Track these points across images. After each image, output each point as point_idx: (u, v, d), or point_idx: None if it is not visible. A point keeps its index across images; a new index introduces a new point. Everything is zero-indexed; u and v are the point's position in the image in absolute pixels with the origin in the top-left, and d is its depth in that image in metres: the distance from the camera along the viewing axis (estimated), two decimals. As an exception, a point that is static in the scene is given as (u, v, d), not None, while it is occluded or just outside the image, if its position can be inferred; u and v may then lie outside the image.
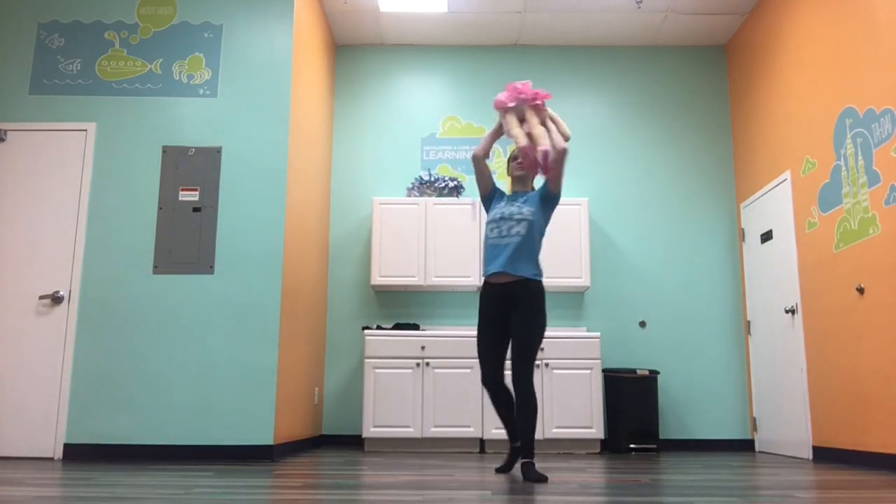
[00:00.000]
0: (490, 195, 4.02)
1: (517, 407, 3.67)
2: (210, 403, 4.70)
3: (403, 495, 3.02)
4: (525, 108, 3.74)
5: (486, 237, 3.88)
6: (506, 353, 3.88)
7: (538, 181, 4.14)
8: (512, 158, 4.02)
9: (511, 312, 3.78)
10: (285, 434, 4.98)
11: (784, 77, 5.78)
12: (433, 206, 6.31)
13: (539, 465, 4.50)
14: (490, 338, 3.85)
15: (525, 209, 3.83)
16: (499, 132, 3.93)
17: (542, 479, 3.54)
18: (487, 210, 4.02)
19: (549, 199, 3.88)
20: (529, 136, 3.67)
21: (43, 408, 4.70)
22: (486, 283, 3.88)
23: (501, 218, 3.84)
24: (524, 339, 3.70)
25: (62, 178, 5.00)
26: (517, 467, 4.08)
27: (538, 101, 3.74)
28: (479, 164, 3.96)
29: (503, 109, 3.78)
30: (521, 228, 3.78)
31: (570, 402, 5.74)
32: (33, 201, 4.97)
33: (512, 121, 3.75)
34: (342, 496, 2.98)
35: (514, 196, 3.97)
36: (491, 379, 3.85)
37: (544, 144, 3.60)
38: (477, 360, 5.83)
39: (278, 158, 5.02)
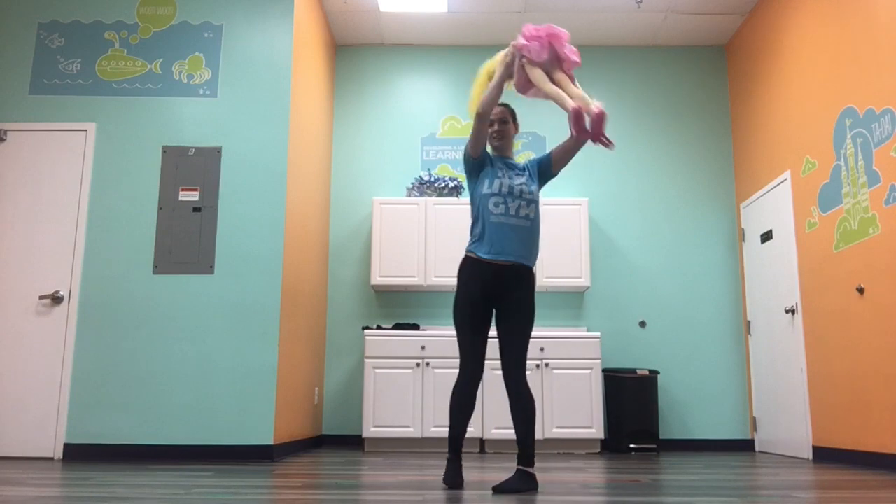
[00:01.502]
0: (481, 159, 3.48)
1: (523, 410, 3.24)
2: (210, 403, 4.70)
3: (403, 495, 3.02)
4: (555, 66, 3.23)
5: (489, 212, 3.35)
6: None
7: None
8: (489, 125, 3.48)
9: (502, 299, 3.32)
10: (285, 434, 4.97)
11: (784, 77, 5.78)
12: (433, 206, 6.30)
13: (539, 465, 4.48)
14: (480, 329, 3.33)
15: (532, 186, 3.40)
16: (504, 81, 3.37)
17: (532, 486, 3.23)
18: (473, 173, 3.49)
19: (547, 177, 3.49)
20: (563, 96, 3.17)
21: (43, 408, 4.70)
22: (479, 260, 3.33)
23: (509, 193, 3.35)
24: (526, 332, 3.29)
25: (62, 178, 5.00)
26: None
27: (572, 59, 3.24)
28: (484, 122, 3.41)
29: (528, 60, 3.20)
30: (531, 211, 3.35)
31: (570, 402, 5.73)
32: (33, 201, 4.97)
33: (540, 76, 3.21)
34: (342, 496, 2.98)
35: (507, 163, 3.49)
36: (477, 381, 3.34)
37: (595, 105, 3.08)
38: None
39: (278, 158, 5.02)
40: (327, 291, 6.57)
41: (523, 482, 3.18)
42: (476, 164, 3.48)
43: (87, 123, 5.07)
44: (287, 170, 5.02)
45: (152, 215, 4.95)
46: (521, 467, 3.22)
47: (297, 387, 5.34)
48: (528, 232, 3.35)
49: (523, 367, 3.29)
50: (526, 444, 3.22)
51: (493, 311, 3.38)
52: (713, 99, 6.91)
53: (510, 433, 5.65)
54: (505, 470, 4.15)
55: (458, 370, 5.71)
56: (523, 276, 3.34)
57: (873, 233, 4.54)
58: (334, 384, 6.42)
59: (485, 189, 3.40)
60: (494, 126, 3.51)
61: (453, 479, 3.27)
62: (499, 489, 3.13)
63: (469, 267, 3.37)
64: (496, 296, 3.33)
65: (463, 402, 3.29)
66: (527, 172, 3.49)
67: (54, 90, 5.12)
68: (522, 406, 3.25)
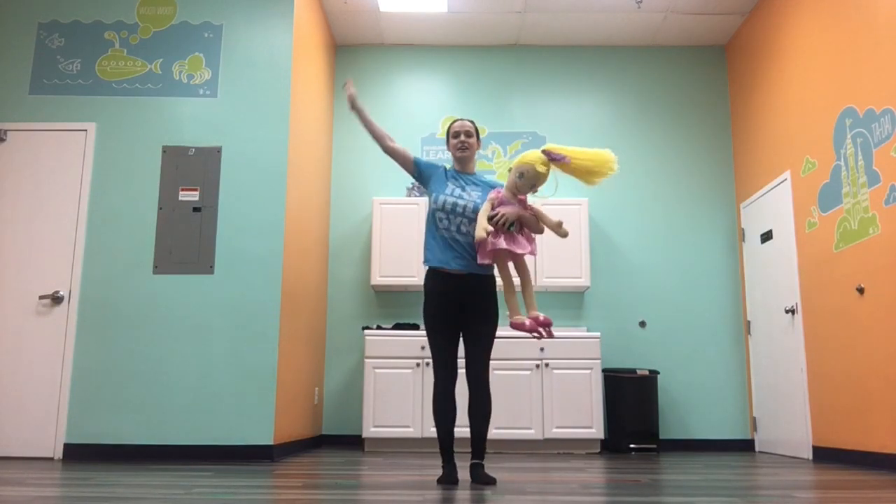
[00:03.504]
0: (420, 172, 3.65)
1: (481, 406, 3.45)
2: (210, 403, 4.70)
3: (403, 495, 3.02)
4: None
5: (436, 226, 3.50)
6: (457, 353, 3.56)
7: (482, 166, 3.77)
8: (453, 135, 3.62)
9: (464, 305, 3.47)
10: (285, 434, 4.97)
11: (784, 77, 5.78)
12: (433, 206, 6.29)
13: (539, 465, 4.50)
14: (447, 334, 3.48)
15: (477, 200, 3.49)
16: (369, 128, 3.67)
17: (492, 481, 3.41)
18: (425, 186, 3.64)
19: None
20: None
21: (43, 408, 4.70)
22: (439, 272, 3.49)
23: (453, 210, 3.47)
24: (488, 335, 3.48)
25: (62, 178, 5.00)
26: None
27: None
28: (389, 153, 3.67)
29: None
30: (472, 229, 3.44)
31: (570, 402, 5.73)
32: (33, 201, 4.97)
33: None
34: (342, 496, 2.98)
35: (461, 177, 3.60)
36: (452, 385, 3.48)
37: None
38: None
39: (278, 158, 5.02)
40: (327, 291, 6.57)
41: (486, 474, 3.45)
42: (420, 180, 3.69)
43: (87, 123, 5.07)
44: (287, 170, 5.02)
45: (152, 215, 4.95)
46: (476, 461, 3.48)
47: (297, 387, 5.34)
48: (472, 245, 3.46)
49: (485, 367, 3.50)
50: (482, 439, 3.50)
51: (460, 315, 3.52)
52: (713, 99, 6.90)
53: (506, 433, 5.65)
54: (503, 469, 4.16)
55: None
56: (479, 282, 3.50)
57: (873, 233, 4.54)
58: (334, 384, 6.42)
59: (434, 202, 3.55)
60: (460, 137, 3.61)
61: (447, 478, 3.41)
62: (477, 480, 3.41)
63: (429, 276, 3.55)
64: (458, 301, 3.49)
65: (444, 406, 3.48)
66: (479, 187, 3.59)
67: (54, 90, 5.12)
68: (482, 402, 3.47)
